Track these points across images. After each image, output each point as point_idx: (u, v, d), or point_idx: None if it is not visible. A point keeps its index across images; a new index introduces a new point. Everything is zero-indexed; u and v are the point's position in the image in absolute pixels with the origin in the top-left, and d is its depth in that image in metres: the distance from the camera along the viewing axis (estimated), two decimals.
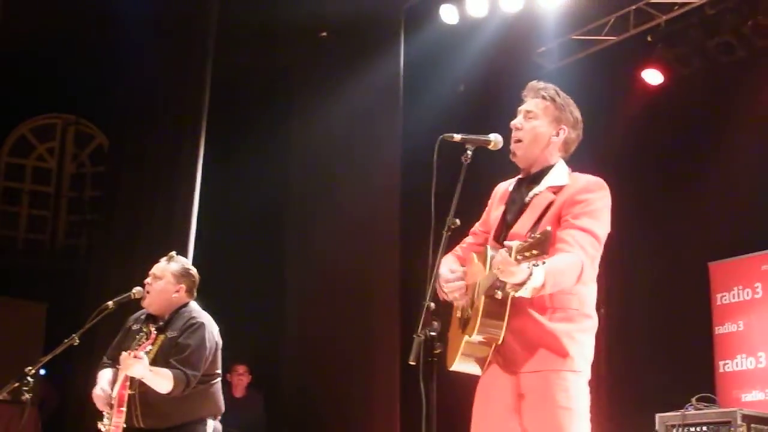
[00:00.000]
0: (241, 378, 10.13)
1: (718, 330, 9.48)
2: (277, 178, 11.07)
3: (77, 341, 5.53)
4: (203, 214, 9.38)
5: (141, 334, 5.34)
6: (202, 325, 5.74)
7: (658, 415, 7.94)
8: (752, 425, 7.40)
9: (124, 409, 5.53)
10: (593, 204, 3.88)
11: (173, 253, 6.01)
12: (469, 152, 3.87)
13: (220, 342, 5.84)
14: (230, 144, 10.93)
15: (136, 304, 5.89)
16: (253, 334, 10.11)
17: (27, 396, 5.30)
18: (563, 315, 3.86)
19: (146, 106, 10.13)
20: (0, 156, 13.15)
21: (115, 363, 5.87)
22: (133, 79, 10.45)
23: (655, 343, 9.74)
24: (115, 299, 5.71)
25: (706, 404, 7.89)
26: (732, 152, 9.50)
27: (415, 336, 3.58)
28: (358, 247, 10.04)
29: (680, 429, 7.70)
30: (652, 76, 10.34)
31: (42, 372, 5.89)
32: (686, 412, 7.79)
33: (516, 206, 4.04)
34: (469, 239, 4.29)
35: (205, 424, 5.77)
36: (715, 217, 9.53)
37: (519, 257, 3.40)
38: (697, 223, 9.65)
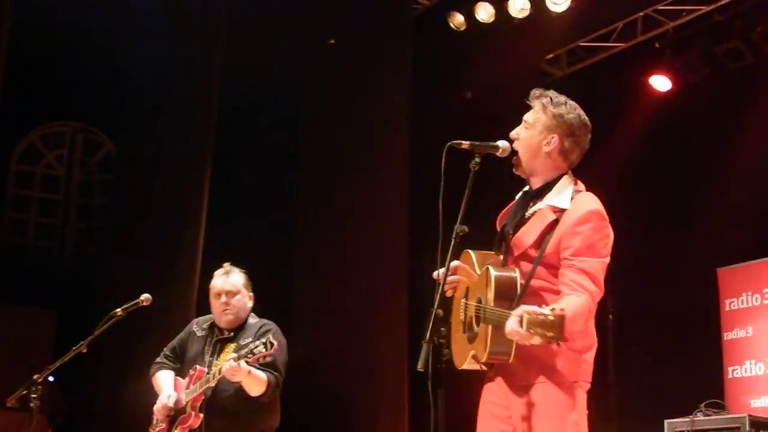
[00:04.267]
0: None
1: (727, 336, 9.46)
2: (285, 186, 11.08)
3: (86, 349, 5.54)
4: (212, 222, 9.39)
5: (257, 343, 5.35)
6: (277, 330, 5.89)
7: (666, 421, 7.93)
8: (761, 431, 7.39)
9: (202, 414, 5.63)
10: (591, 238, 3.84)
11: (226, 265, 6.06)
12: (477, 159, 3.86)
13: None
14: (238, 152, 10.93)
15: (143, 311, 5.90)
16: None
17: (35, 403, 5.31)
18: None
19: (154, 114, 10.15)
20: (9, 163, 13.16)
21: (175, 363, 6.01)
22: (142, 87, 10.46)
23: (664, 349, 9.73)
24: (123, 307, 5.72)
25: (714, 410, 7.88)
26: (740, 158, 9.50)
27: (423, 343, 3.58)
28: (365, 255, 10.04)
29: None
30: (660, 83, 10.34)
31: (50, 379, 5.90)
32: (695, 418, 7.78)
33: (516, 220, 4.04)
34: None
35: None
36: (723, 223, 9.52)
37: (531, 331, 3.38)
38: (705, 229, 9.64)
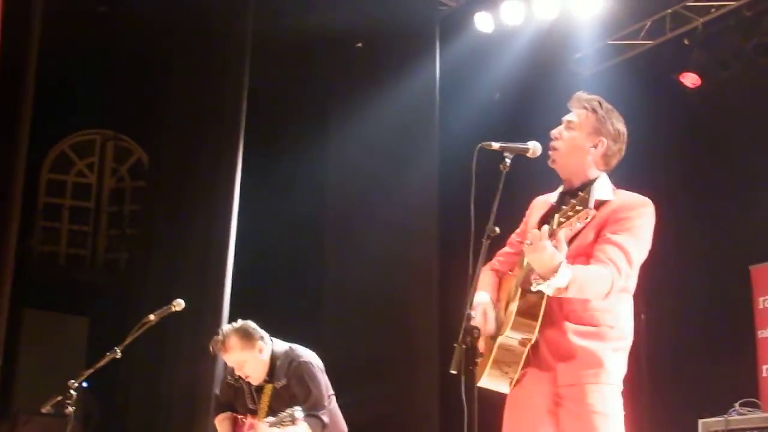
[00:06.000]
0: None
1: (761, 334, 9.39)
2: (315, 190, 11.10)
3: (119, 354, 5.56)
4: (242, 228, 9.41)
5: (286, 415, 5.48)
6: (303, 363, 5.86)
7: (701, 421, 7.89)
8: None
9: None
10: (633, 221, 3.86)
11: (219, 333, 6.01)
12: (507, 160, 3.84)
13: (322, 365, 5.97)
14: (268, 157, 10.96)
15: (176, 317, 5.92)
16: None
17: (70, 409, 5.34)
18: (597, 331, 3.85)
19: (184, 121, 10.18)
20: (41, 172, 13.26)
21: (227, 409, 6.10)
22: (171, 94, 10.51)
23: (698, 347, 9.66)
24: (155, 312, 5.72)
25: (749, 409, 7.84)
26: None
27: (455, 345, 3.57)
28: (396, 256, 10.04)
29: None
30: (690, 80, 10.28)
31: (84, 385, 5.93)
32: (729, 418, 7.74)
33: None
34: (506, 249, 4.29)
35: None
36: (756, 221, 9.45)
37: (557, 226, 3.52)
38: (739, 227, 9.58)
